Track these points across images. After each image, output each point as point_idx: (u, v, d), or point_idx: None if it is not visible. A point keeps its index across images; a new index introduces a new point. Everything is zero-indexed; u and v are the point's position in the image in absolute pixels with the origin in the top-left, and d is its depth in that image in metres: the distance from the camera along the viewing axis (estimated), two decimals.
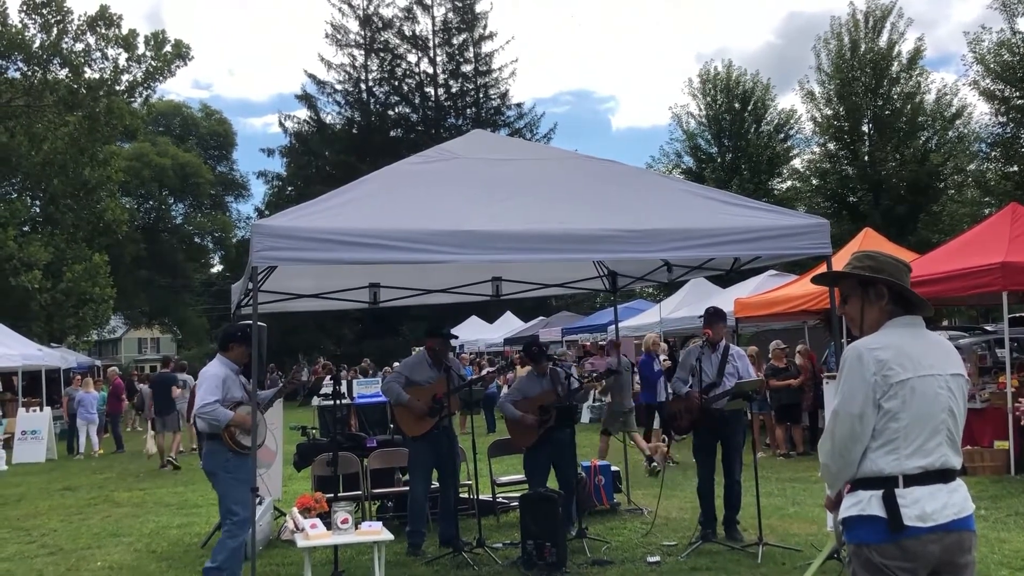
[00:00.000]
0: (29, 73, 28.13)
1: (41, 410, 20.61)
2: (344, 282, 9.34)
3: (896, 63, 34.01)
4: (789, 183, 38.97)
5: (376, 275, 9.37)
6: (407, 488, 9.29)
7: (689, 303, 19.99)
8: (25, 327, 26.37)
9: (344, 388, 12.97)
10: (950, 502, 3.14)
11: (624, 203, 7.33)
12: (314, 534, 5.54)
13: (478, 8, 46.54)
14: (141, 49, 29.54)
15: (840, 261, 13.62)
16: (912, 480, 3.13)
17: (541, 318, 31.20)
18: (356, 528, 5.58)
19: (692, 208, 7.32)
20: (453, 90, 47.30)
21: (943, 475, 3.17)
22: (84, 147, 28.64)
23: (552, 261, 8.33)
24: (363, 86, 46.64)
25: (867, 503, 3.16)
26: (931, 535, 3.09)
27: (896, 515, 3.09)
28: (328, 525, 5.61)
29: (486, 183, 7.40)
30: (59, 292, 27.75)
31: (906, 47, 34.13)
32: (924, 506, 3.10)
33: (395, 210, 6.64)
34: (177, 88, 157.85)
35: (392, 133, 46.54)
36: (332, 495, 7.09)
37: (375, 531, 5.59)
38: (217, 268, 58.47)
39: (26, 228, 29.57)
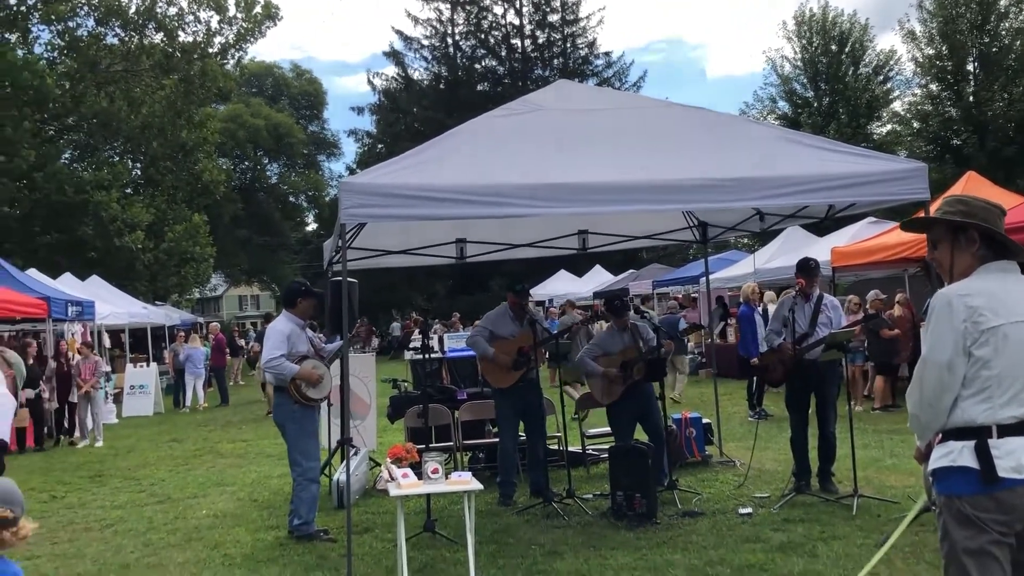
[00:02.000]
0: (126, 39, 28.87)
1: (148, 365, 21.46)
2: (431, 237, 9.41)
3: None
4: (889, 127, 37.83)
5: (462, 230, 9.42)
6: (498, 440, 9.43)
7: (785, 252, 19.54)
8: (131, 286, 27.38)
9: (435, 342, 13.11)
10: None
11: (713, 151, 7.17)
12: (406, 483, 5.64)
13: None
14: (232, 11, 30.04)
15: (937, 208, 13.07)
16: (1006, 430, 3.02)
17: (631, 271, 30.95)
18: (446, 478, 5.67)
19: (784, 155, 7.12)
20: (540, 41, 46.82)
21: None
22: (180, 110, 29.37)
23: (639, 212, 8.23)
24: (449, 40, 46.60)
25: (959, 454, 3.07)
26: None
27: (990, 466, 2.99)
28: (419, 475, 5.72)
29: (571, 134, 7.31)
30: (161, 252, 28.70)
31: None
32: (1020, 457, 2.99)
33: (480, 164, 6.63)
34: (274, 51, 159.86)
35: (479, 87, 46.41)
36: (423, 446, 7.22)
37: (464, 481, 5.67)
38: (312, 226, 59.71)
39: (128, 190, 30.56)
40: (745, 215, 9.32)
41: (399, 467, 5.84)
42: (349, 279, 9.34)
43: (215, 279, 51.61)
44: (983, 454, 3.00)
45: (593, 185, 6.50)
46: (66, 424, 15.68)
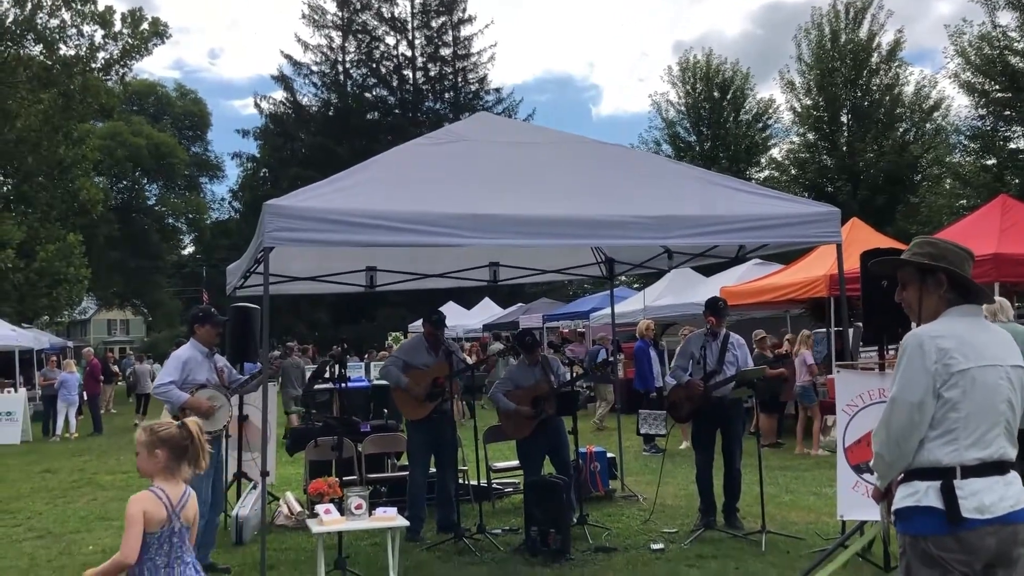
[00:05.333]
0: (2, 49, 27.55)
1: (15, 391, 20.31)
2: (342, 265, 9.21)
3: (876, 54, 34.28)
4: (767, 172, 39.12)
5: (374, 258, 9.26)
6: (401, 473, 9.25)
7: (673, 291, 19.96)
8: None
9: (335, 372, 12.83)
10: (1007, 494, 3.11)
11: (630, 188, 7.27)
12: (328, 520, 5.45)
13: None
14: (118, 26, 29.03)
15: (821, 253, 13.56)
16: (970, 471, 3.09)
17: (520, 304, 31.07)
18: (370, 514, 5.50)
19: (701, 195, 7.27)
20: (431, 73, 46.99)
21: (1000, 467, 3.14)
22: (58, 125, 28.12)
23: (555, 246, 8.29)
24: (340, 68, 46.29)
25: (924, 494, 3.12)
26: (988, 527, 3.06)
27: (954, 507, 3.05)
28: (341, 510, 5.53)
29: (492, 166, 7.32)
30: (32, 272, 27.31)
31: (886, 39, 34.42)
32: (982, 498, 3.07)
33: (403, 192, 6.55)
34: (158, 70, 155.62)
35: (369, 116, 46.21)
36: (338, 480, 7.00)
37: (390, 517, 5.51)
38: (189, 249, 57.98)
39: None
40: (653, 252, 9.43)
41: (320, 503, 5.63)
42: (250, 305, 9.10)
43: (85, 302, 49.42)
44: (948, 495, 3.06)
45: (512, 217, 6.51)
46: None
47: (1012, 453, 3.19)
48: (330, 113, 45.80)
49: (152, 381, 21.36)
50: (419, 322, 11.22)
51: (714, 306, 8.35)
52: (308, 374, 17.38)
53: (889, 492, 3.32)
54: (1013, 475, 3.17)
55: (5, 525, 9.61)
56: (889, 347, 6.52)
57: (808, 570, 6.23)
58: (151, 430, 3.80)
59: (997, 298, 7.33)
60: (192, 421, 3.86)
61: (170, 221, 52.70)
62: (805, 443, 13.11)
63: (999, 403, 3.15)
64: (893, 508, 3.22)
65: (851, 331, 10.66)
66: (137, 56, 29.71)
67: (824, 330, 15.52)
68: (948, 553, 3.05)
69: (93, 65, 28.86)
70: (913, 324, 3.34)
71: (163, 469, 3.76)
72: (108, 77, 30.01)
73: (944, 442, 3.11)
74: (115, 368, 26.60)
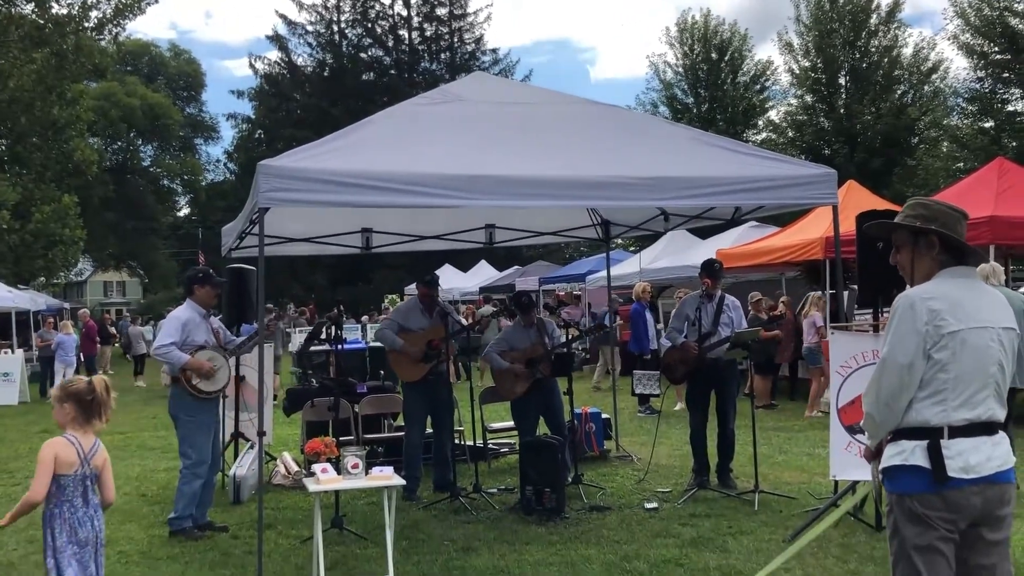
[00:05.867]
0: None
1: (13, 352, 20.34)
2: (337, 226, 9.19)
3: (875, 16, 34.10)
4: (764, 135, 39.03)
5: (369, 219, 9.23)
6: (397, 434, 9.31)
7: (669, 254, 19.98)
8: None
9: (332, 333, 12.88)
10: (994, 454, 3.15)
11: (628, 149, 7.21)
12: (325, 479, 5.49)
13: None
14: None
15: (818, 215, 13.48)
16: (957, 432, 3.13)
17: (516, 267, 31.07)
18: (367, 473, 5.54)
19: (695, 155, 7.23)
20: (427, 33, 46.60)
21: (988, 427, 3.17)
22: (51, 85, 27.81)
23: (551, 207, 8.26)
24: (335, 27, 45.89)
25: (911, 453, 3.16)
26: (974, 487, 3.11)
27: (940, 466, 3.09)
28: (338, 470, 5.57)
29: (490, 126, 7.26)
30: (28, 233, 27.20)
31: (885, 0, 34.19)
32: (968, 458, 3.11)
33: (400, 153, 6.50)
34: (153, 30, 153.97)
35: (364, 76, 45.88)
36: (335, 440, 7.04)
37: (386, 476, 5.55)
38: (184, 211, 57.76)
39: None
40: (649, 214, 9.41)
41: (317, 462, 5.67)
42: (247, 267, 9.08)
43: (81, 263, 49.30)
44: (935, 454, 3.10)
45: (507, 178, 6.45)
46: None
47: (1001, 414, 3.22)
48: (325, 74, 45.48)
49: (145, 343, 21.51)
50: (415, 285, 11.31)
51: (710, 268, 8.37)
52: (293, 337, 17.33)
53: (880, 452, 3.35)
54: (1001, 436, 3.21)
55: (4, 484, 9.68)
56: (884, 309, 6.54)
57: (800, 529, 6.31)
58: (61, 386, 4.33)
59: (990, 262, 7.34)
60: (99, 379, 4.35)
61: (165, 183, 52.42)
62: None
63: (989, 365, 3.17)
64: (881, 467, 3.25)
65: (846, 293, 10.70)
66: (130, 15, 29.28)
67: (819, 292, 15.58)
68: (933, 511, 3.10)
69: (86, 24, 28.48)
70: (908, 286, 3.35)
71: (72, 420, 4.25)
72: (101, 37, 29.62)
73: (933, 402, 3.14)
74: (112, 330, 26.62)
